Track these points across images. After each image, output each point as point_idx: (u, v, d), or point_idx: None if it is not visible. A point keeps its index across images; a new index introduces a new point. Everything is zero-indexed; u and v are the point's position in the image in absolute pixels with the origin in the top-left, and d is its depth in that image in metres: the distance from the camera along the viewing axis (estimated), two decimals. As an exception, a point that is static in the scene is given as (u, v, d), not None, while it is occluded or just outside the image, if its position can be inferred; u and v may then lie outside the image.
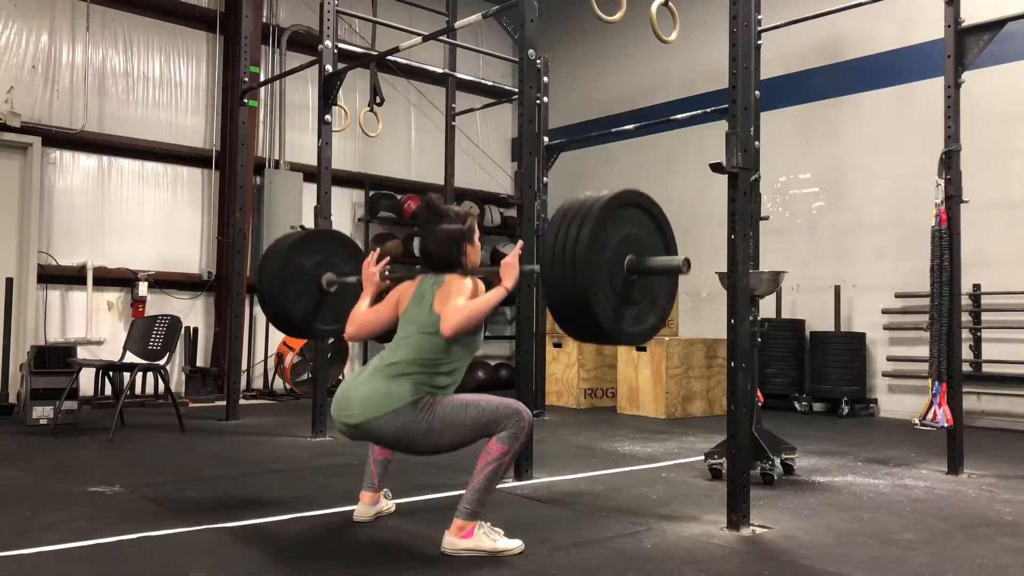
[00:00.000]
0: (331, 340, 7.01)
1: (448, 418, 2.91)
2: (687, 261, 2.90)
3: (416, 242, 3.34)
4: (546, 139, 6.48)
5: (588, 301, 2.76)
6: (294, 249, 4.24)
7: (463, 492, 2.95)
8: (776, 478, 4.23)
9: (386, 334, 3.27)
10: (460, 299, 2.95)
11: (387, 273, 3.46)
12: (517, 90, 4.59)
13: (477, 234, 3.25)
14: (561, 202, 2.98)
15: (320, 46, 5.92)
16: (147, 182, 8.05)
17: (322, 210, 5.73)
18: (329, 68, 5.87)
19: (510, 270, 3.01)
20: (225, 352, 7.59)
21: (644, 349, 7.39)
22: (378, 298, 3.35)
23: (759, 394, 4.48)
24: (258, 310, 8.64)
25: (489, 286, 3.06)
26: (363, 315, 3.29)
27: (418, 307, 3.09)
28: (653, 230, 3.03)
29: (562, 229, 2.81)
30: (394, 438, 2.94)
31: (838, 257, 7.95)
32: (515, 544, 2.94)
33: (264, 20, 8.64)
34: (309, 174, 8.22)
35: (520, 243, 3.37)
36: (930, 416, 4.56)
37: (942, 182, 4.62)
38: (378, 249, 3.57)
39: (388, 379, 2.93)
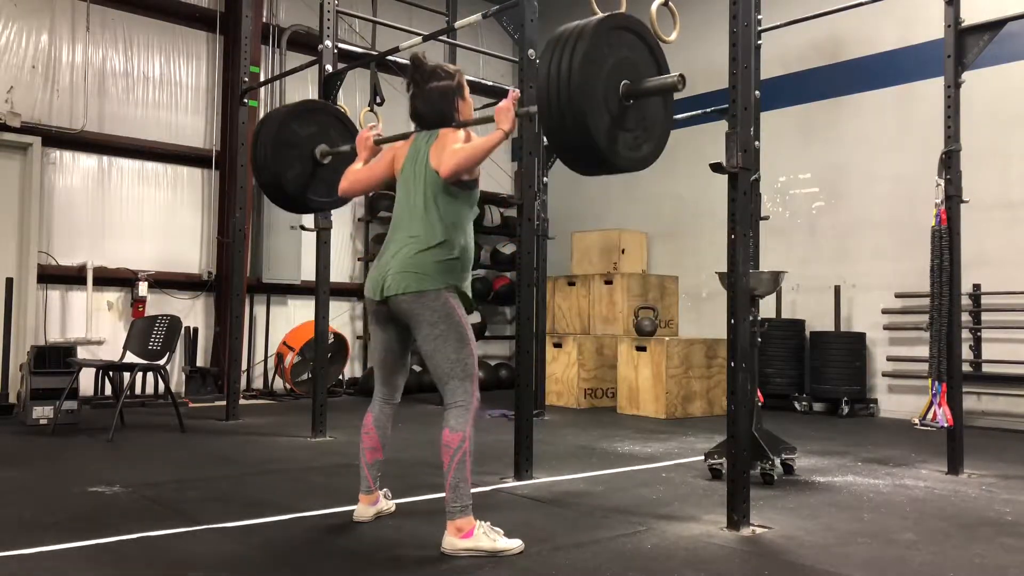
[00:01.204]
0: (332, 342, 6.98)
1: (448, 333, 2.99)
2: (682, 77, 2.86)
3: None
4: (546, 139, 6.46)
5: (584, 122, 2.73)
6: (290, 117, 4.22)
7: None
8: (776, 478, 4.23)
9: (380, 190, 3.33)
10: (456, 145, 3.00)
11: (380, 137, 3.48)
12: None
13: (467, 89, 3.27)
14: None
15: (320, 46, 5.92)
16: (147, 182, 8.05)
17: (322, 210, 5.72)
18: (329, 68, 5.87)
19: (505, 114, 3.01)
20: (225, 352, 7.59)
21: (644, 349, 7.39)
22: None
23: (759, 394, 4.48)
24: (258, 310, 8.64)
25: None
26: (357, 172, 3.37)
27: (414, 165, 3.14)
28: (647, 55, 3.00)
29: (556, 53, 2.78)
30: (408, 317, 3.03)
31: (838, 257, 7.95)
32: (515, 544, 2.95)
33: (264, 20, 8.64)
34: (309, 174, 8.22)
35: (515, 91, 3.29)
36: (930, 416, 4.55)
37: (942, 182, 4.62)
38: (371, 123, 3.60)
39: (415, 255, 3.02)
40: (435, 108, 3.17)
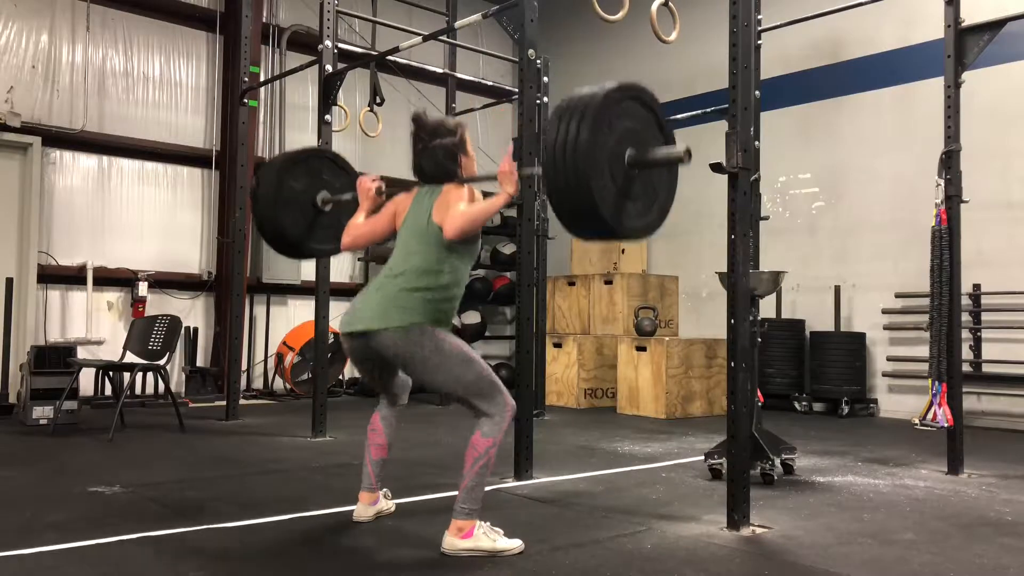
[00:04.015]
0: (334, 341, 6.98)
1: (449, 361, 2.96)
2: (688, 151, 2.85)
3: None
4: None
5: (591, 197, 2.72)
6: (283, 175, 4.20)
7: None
8: (776, 478, 4.22)
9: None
10: (461, 204, 2.98)
11: (383, 188, 3.47)
12: (517, 90, 4.59)
13: (470, 143, 3.26)
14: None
15: (320, 46, 5.92)
16: (147, 182, 8.05)
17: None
18: (329, 68, 5.87)
19: (508, 177, 3.00)
20: (225, 352, 7.59)
21: (644, 349, 7.39)
22: (374, 213, 3.38)
23: (759, 394, 4.48)
24: (258, 310, 8.64)
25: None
26: (359, 226, 3.36)
27: (416, 217, 3.12)
28: (652, 123, 2.99)
29: (562, 127, 2.77)
30: (392, 353, 2.98)
31: (838, 257, 7.95)
32: (515, 544, 2.95)
33: (264, 20, 8.64)
34: (309, 174, 8.21)
35: (510, 146, 3.27)
36: (930, 416, 4.56)
37: (942, 182, 4.62)
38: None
39: (398, 292, 2.98)
40: (438, 165, 3.16)
